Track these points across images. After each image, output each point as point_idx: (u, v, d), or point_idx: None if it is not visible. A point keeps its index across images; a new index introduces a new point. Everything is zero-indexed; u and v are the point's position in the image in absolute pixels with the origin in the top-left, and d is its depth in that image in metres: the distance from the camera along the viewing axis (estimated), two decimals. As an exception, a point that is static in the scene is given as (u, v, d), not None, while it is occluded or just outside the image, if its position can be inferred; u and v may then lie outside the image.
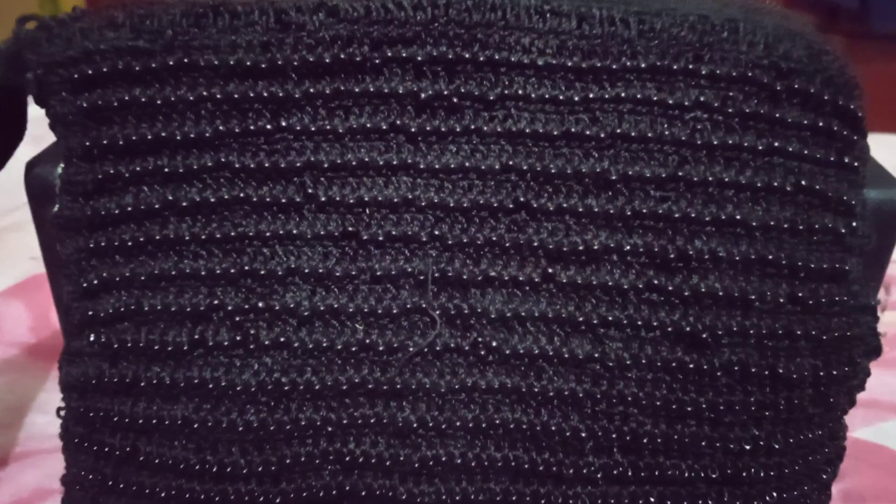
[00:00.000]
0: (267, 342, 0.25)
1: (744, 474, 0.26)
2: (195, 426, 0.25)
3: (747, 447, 0.25)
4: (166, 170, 0.25)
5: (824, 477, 0.28)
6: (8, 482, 0.31)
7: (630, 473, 0.26)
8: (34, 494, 0.31)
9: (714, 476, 0.26)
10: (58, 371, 0.37)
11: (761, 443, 0.25)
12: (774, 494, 0.26)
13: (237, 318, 0.25)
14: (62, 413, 0.27)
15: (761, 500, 0.26)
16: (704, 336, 0.25)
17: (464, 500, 0.26)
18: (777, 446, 0.25)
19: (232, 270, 0.25)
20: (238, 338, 0.25)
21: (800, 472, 0.27)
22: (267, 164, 0.25)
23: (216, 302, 0.25)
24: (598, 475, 0.26)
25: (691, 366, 0.25)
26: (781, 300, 0.25)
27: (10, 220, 0.50)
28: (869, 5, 1.12)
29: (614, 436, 0.25)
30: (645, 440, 0.25)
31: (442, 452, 0.25)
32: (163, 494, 0.25)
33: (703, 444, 0.25)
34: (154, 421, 0.25)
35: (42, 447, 0.33)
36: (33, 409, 0.35)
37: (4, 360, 0.38)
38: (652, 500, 0.26)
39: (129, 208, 0.25)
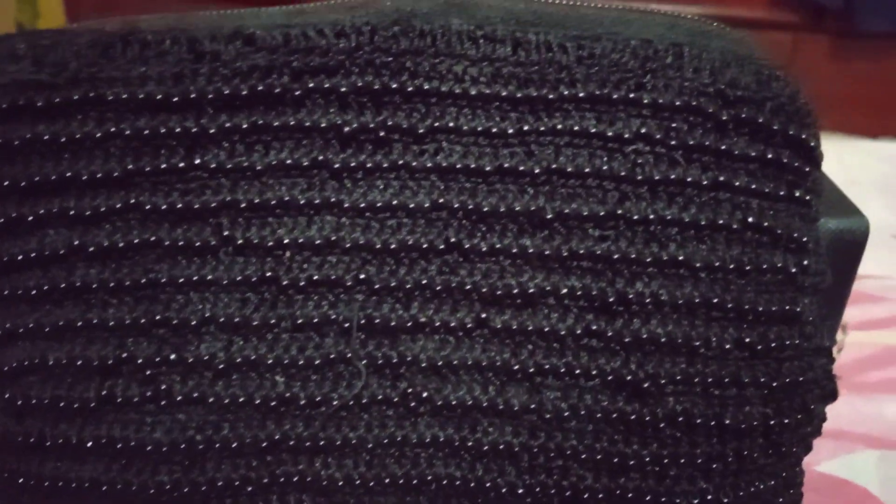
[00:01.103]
0: (180, 397, 0.23)
1: (692, 529, 0.24)
2: (104, 488, 0.23)
3: (695, 501, 0.24)
4: (72, 212, 0.23)
5: (781, 525, 0.26)
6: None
7: (572, 529, 0.24)
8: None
9: (660, 530, 0.24)
10: None
11: (709, 497, 0.24)
12: (725, 547, 0.25)
13: (148, 371, 0.23)
14: (-31, 470, 0.25)
15: (712, 553, 0.25)
16: (646, 385, 0.23)
17: (396, 558, 0.24)
18: (726, 500, 0.24)
19: (143, 320, 0.23)
20: (149, 393, 0.23)
21: (753, 524, 0.25)
22: (180, 205, 0.23)
23: (126, 354, 0.23)
24: (538, 531, 0.24)
25: (633, 416, 0.23)
26: (728, 346, 0.23)
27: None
28: (854, 4, 1.11)
29: (553, 491, 0.24)
30: (586, 496, 0.24)
31: (371, 510, 0.24)
32: (72, 559, 0.24)
33: (648, 498, 0.24)
34: (61, 483, 0.23)
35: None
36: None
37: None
38: (596, 555, 0.25)
39: (33, 253, 0.23)
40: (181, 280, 0.23)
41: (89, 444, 0.23)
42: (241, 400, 0.23)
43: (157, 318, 0.23)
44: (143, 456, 0.23)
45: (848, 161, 0.67)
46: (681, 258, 0.23)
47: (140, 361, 0.23)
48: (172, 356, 0.23)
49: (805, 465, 0.30)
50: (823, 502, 0.33)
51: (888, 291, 0.49)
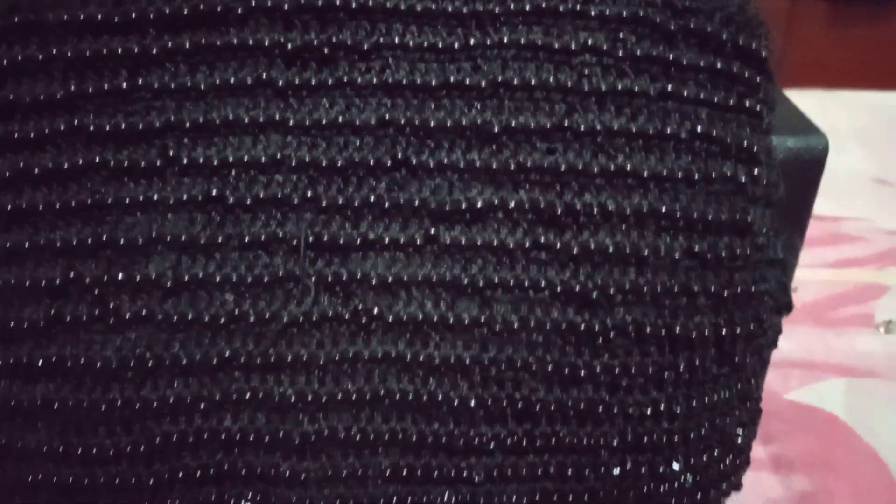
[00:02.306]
0: (129, 315, 0.23)
1: (646, 440, 0.24)
2: (55, 407, 0.23)
3: (648, 412, 0.24)
4: (16, 135, 0.23)
5: (738, 441, 0.26)
6: None
7: (526, 443, 0.24)
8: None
9: (615, 443, 0.24)
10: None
11: (661, 407, 0.24)
12: (681, 459, 0.25)
13: (97, 291, 0.23)
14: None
15: (668, 465, 0.25)
16: (596, 295, 0.23)
17: (351, 475, 0.24)
18: (679, 410, 0.24)
19: (90, 241, 0.23)
20: (98, 312, 0.23)
21: (708, 437, 0.25)
22: (125, 126, 0.23)
23: (73, 275, 0.23)
24: (492, 446, 0.24)
25: (583, 327, 0.23)
26: (677, 255, 0.23)
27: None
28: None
29: (505, 404, 0.24)
30: (539, 407, 0.24)
31: (324, 426, 0.24)
32: (28, 481, 0.24)
33: (601, 409, 0.24)
34: (12, 404, 0.23)
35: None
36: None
37: None
38: (551, 470, 0.25)
39: (-23, 177, 0.23)
40: (127, 201, 0.23)
41: (39, 364, 0.23)
42: (190, 318, 0.23)
43: (105, 238, 0.23)
44: (94, 374, 0.23)
45: (830, 111, 0.66)
46: (629, 168, 0.23)
47: (88, 282, 0.23)
48: (120, 276, 0.23)
49: (774, 393, 0.30)
50: (791, 429, 0.33)
51: (865, 232, 0.49)
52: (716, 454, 0.26)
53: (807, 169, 0.28)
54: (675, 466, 0.25)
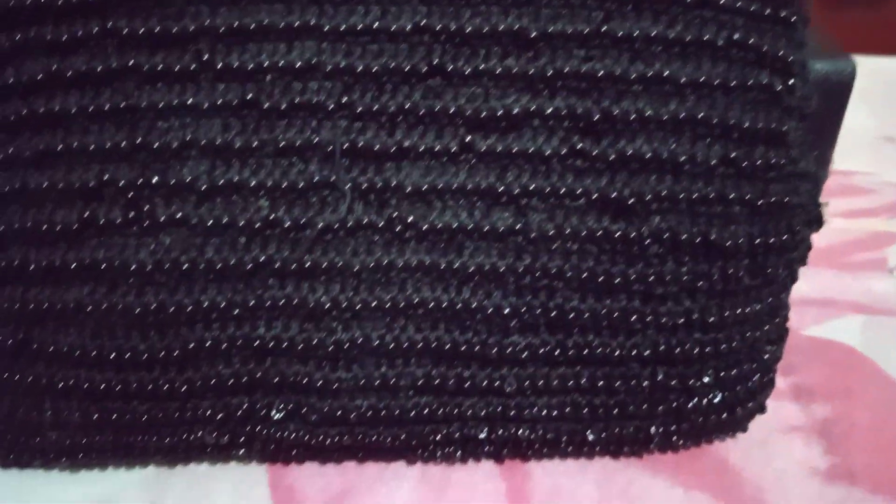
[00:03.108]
0: (163, 218, 0.23)
1: (678, 351, 0.24)
2: (90, 310, 0.23)
3: (680, 322, 0.24)
4: (49, 38, 0.23)
5: (765, 357, 0.26)
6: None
7: (558, 353, 0.24)
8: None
9: (646, 354, 0.24)
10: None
11: (695, 317, 0.24)
12: (711, 373, 0.25)
13: (131, 195, 0.23)
14: (-47, 307, 0.25)
15: (697, 378, 0.25)
16: (632, 202, 0.23)
17: (383, 385, 0.24)
18: (712, 320, 0.24)
19: (124, 144, 0.23)
20: (132, 215, 0.23)
21: (738, 350, 0.25)
22: (158, 30, 0.23)
23: (108, 177, 0.23)
24: (525, 355, 0.24)
25: (619, 235, 0.23)
26: (713, 162, 0.23)
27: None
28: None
29: (539, 312, 0.24)
30: (572, 316, 0.24)
31: (358, 335, 0.24)
32: (60, 386, 0.24)
33: (634, 319, 0.24)
34: (46, 307, 0.23)
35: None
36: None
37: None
38: (582, 382, 0.25)
39: (10, 80, 0.23)
40: (161, 105, 0.23)
41: (73, 267, 0.23)
42: (225, 221, 0.23)
43: (138, 142, 0.23)
44: (128, 278, 0.23)
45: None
46: (666, 75, 0.23)
47: (122, 184, 0.23)
48: (155, 179, 0.23)
49: (791, 329, 0.30)
50: (809, 361, 0.33)
51: (874, 185, 0.49)
52: (745, 370, 0.26)
53: (835, 91, 0.28)
54: (706, 380, 0.25)
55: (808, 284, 0.37)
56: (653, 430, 0.26)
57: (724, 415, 0.27)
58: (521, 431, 0.26)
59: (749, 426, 0.28)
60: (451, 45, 0.23)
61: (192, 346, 0.23)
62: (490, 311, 0.24)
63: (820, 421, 0.30)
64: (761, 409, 0.28)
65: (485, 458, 0.27)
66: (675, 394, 0.25)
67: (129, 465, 0.27)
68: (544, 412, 0.25)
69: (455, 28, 0.23)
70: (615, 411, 0.25)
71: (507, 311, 0.24)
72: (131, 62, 0.23)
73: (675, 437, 0.27)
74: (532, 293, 0.24)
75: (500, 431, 0.26)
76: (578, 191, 0.23)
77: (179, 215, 0.23)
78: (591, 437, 0.26)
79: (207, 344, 0.23)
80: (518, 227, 0.23)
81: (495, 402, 0.25)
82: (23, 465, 0.26)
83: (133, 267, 0.23)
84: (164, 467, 0.27)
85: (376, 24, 0.23)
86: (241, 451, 0.26)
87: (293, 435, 0.25)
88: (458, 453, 0.26)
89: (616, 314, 0.24)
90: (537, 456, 0.27)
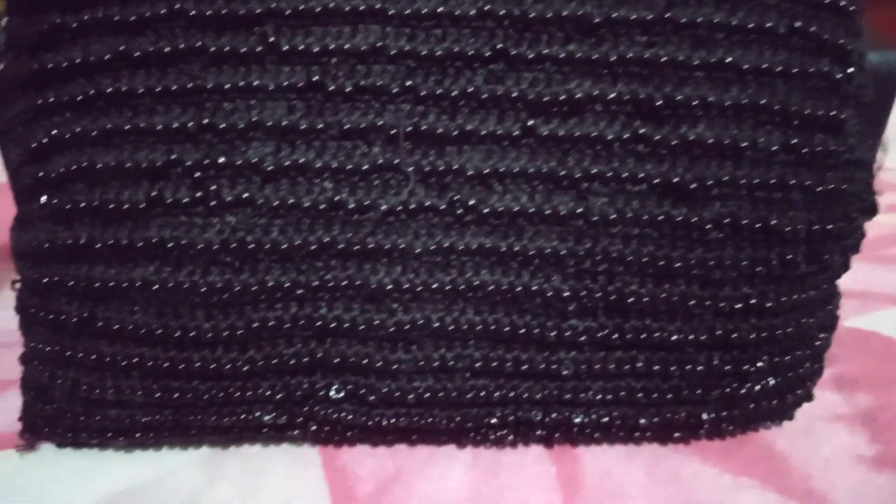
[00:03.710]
0: (230, 199, 0.23)
1: (734, 336, 0.25)
2: (155, 289, 0.23)
3: (738, 307, 0.24)
4: (117, 19, 0.23)
5: (817, 344, 0.27)
6: (-33, 374, 0.30)
7: (616, 337, 0.25)
8: (-5, 386, 0.30)
9: (703, 339, 0.25)
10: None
11: (753, 301, 0.24)
12: (766, 359, 0.25)
13: (197, 175, 0.23)
14: (16, 285, 0.25)
15: (752, 364, 0.25)
16: (693, 187, 0.23)
17: (441, 367, 0.25)
18: (770, 305, 0.24)
19: (190, 125, 0.23)
20: (199, 195, 0.23)
21: (792, 337, 0.26)
22: (225, 12, 0.23)
23: (174, 158, 0.23)
24: (583, 339, 0.24)
25: (679, 220, 0.23)
26: (774, 148, 0.23)
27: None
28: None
29: (599, 296, 0.24)
30: (631, 300, 0.24)
31: (418, 317, 0.24)
32: (123, 364, 0.24)
33: (693, 304, 0.24)
34: (111, 285, 0.23)
35: (2, 341, 0.32)
36: (-4, 306, 0.34)
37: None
38: (638, 366, 0.25)
39: (78, 61, 0.23)
40: (227, 87, 0.23)
41: (140, 246, 0.23)
42: (290, 203, 0.23)
43: (205, 122, 0.23)
44: (194, 257, 0.23)
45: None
46: (728, 61, 0.23)
47: (189, 164, 0.23)
48: (221, 159, 0.23)
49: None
50: (850, 352, 0.33)
51: (906, 182, 0.49)
52: (797, 355, 0.26)
53: (885, 82, 0.28)
54: (760, 365, 0.25)
55: (845, 277, 0.37)
56: (704, 415, 0.26)
57: (775, 401, 0.27)
58: (574, 415, 0.26)
59: (794, 414, 0.29)
60: (514, 30, 0.23)
61: (255, 325, 0.24)
62: (549, 294, 0.24)
63: (863, 410, 0.30)
64: (809, 396, 0.28)
65: (535, 441, 0.27)
66: (729, 379, 0.26)
67: (185, 445, 0.27)
68: (599, 396, 0.25)
69: (518, 13, 0.23)
70: (668, 396, 0.26)
71: (566, 294, 0.24)
72: (198, 44, 0.23)
73: (725, 423, 0.27)
74: (591, 277, 0.24)
75: (554, 415, 0.26)
76: (640, 175, 0.23)
77: (245, 196, 0.23)
78: (642, 422, 0.26)
79: (270, 324, 0.24)
80: (579, 211, 0.23)
81: (551, 386, 0.25)
82: (80, 445, 0.26)
83: (200, 246, 0.23)
84: (217, 448, 0.27)
85: (440, 9, 0.23)
86: (296, 432, 0.26)
87: (350, 416, 0.25)
88: (510, 436, 0.27)
89: (675, 299, 0.24)
90: (588, 440, 0.27)
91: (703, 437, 0.27)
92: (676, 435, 0.27)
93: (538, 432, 0.27)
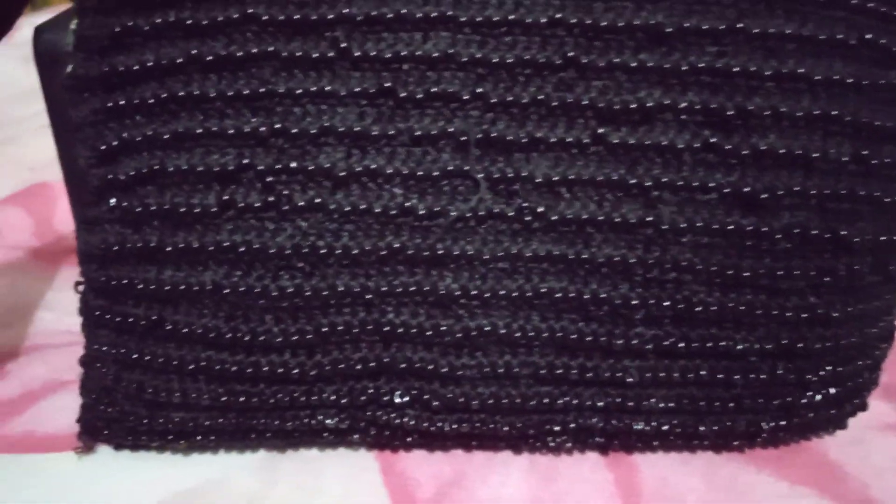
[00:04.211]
0: (301, 203, 0.23)
1: (799, 346, 0.25)
2: (226, 293, 0.23)
3: (804, 316, 0.24)
4: (189, 22, 0.23)
5: (876, 354, 0.27)
6: (18, 374, 0.30)
7: (682, 346, 0.25)
8: (44, 387, 0.30)
9: (768, 348, 0.25)
10: (65, 271, 0.35)
11: (819, 311, 0.24)
12: (829, 368, 0.25)
13: (269, 179, 0.23)
14: (80, 287, 0.25)
15: (814, 374, 0.25)
16: (763, 197, 0.23)
17: (506, 374, 0.25)
18: (835, 315, 0.24)
19: (262, 129, 0.23)
20: (270, 199, 0.23)
21: (854, 347, 0.26)
22: (297, 17, 0.23)
23: (246, 162, 0.23)
24: (649, 347, 0.25)
25: (749, 229, 0.23)
26: (844, 159, 0.23)
27: (6, 134, 0.48)
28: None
29: (666, 304, 0.24)
30: (698, 309, 0.24)
31: (485, 323, 0.24)
32: (190, 367, 0.24)
33: (759, 313, 0.24)
34: (181, 288, 0.23)
35: (51, 342, 0.32)
36: (41, 307, 0.34)
37: (6, 262, 0.37)
38: (702, 374, 0.25)
39: (149, 64, 0.23)
40: (298, 91, 0.23)
41: (211, 250, 0.23)
42: (360, 209, 0.23)
43: (276, 127, 0.23)
44: (265, 261, 0.23)
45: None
46: (799, 72, 0.23)
47: (260, 169, 0.23)
48: (293, 164, 0.23)
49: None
50: None
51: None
52: (859, 365, 0.26)
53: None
54: (822, 374, 0.25)
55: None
56: (764, 424, 0.26)
57: (833, 411, 0.27)
58: (635, 423, 0.26)
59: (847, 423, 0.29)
60: (585, 38, 0.23)
61: (324, 330, 0.24)
62: (617, 302, 0.24)
63: (913, 420, 0.30)
64: (864, 406, 0.28)
65: (591, 448, 0.27)
66: (791, 388, 0.26)
67: (244, 449, 0.27)
68: (661, 404, 0.26)
69: (589, 22, 0.23)
70: (730, 405, 0.26)
71: (634, 302, 0.24)
72: (269, 48, 0.23)
73: (783, 432, 0.27)
74: (659, 286, 0.24)
75: (615, 422, 0.26)
76: (710, 185, 0.23)
77: (317, 201, 0.23)
78: (702, 430, 0.26)
79: (339, 328, 0.24)
80: (648, 219, 0.24)
81: (614, 394, 0.25)
82: (138, 447, 0.26)
83: (272, 251, 0.23)
84: (273, 451, 0.27)
85: (511, 17, 0.23)
86: (356, 436, 0.26)
87: (412, 421, 0.25)
88: (568, 443, 0.27)
89: (742, 308, 0.24)
90: (646, 448, 0.27)
91: (760, 445, 0.28)
92: (735, 443, 0.27)
93: (596, 439, 0.27)
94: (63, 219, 0.40)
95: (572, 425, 0.26)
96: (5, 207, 0.41)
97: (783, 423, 0.27)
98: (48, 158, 0.47)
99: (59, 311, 0.33)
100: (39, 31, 0.26)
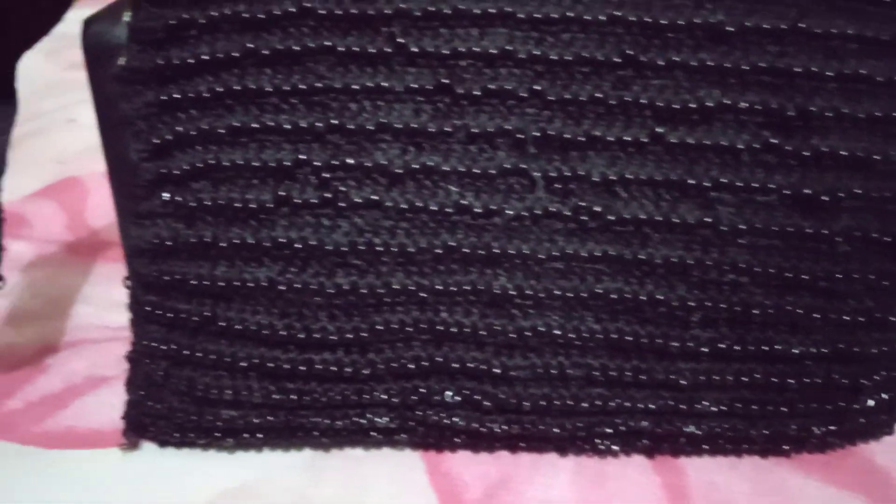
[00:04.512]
0: (358, 200, 0.23)
1: (855, 350, 0.24)
2: (281, 290, 0.23)
3: (861, 320, 0.24)
4: (245, 16, 0.23)
5: (927, 359, 0.27)
6: (59, 368, 0.30)
7: (737, 349, 0.24)
8: (86, 382, 0.29)
9: (824, 352, 0.24)
10: (100, 265, 0.35)
11: (876, 315, 0.24)
12: (883, 373, 0.25)
13: (325, 175, 0.23)
14: (128, 283, 0.25)
15: (868, 378, 0.25)
16: (824, 199, 0.23)
17: (559, 375, 0.24)
18: (893, 319, 0.24)
19: (318, 124, 0.23)
20: (327, 196, 0.23)
21: (909, 351, 0.25)
22: (354, 12, 0.23)
23: (302, 157, 0.23)
24: (704, 350, 0.24)
25: (808, 231, 0.23)
26: (906, 161, 0.23)
27: (33, 126, 0.48)
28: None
29: (723, 307, 0.24)
30: (755, 312, 0.24)
31: (539, 324, 0.24)
32: (242, 364, 0.24)
33: (816, 316, 0.24)
34: (235, 284, 0.23)
35: (90, 337, 0.32)
36: (78, 300, 0.34)
37: (41, 256, 0.37)
38: (756, 377, 0.25)
39: (205, 57, 0.23)
40: (355, 87, 0.23)
41: (266, 246, 0.23)
42: (416, 206, 0.23)
43: (333, 123, 0.23)
44: (321, 258, 0.23)
45: None
46: (861, 72, 0.23)
47: (317, 165, 0.23)
48: (349, 161, 0.23)
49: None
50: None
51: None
52: (911, 371, 0.26)
53: None
54: (877, 379, 0.25)
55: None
56: (815, 428, 0.26)
57: (883, 416, 0.27)
58: (686, 426, 0.26)
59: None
60: (644, 36, 0.23)
61: (377, 328, 0.23)
62: (674, 304, 0.24)
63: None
64: (910, 412, 0.28)
65: (638, 451, 0.27)
66: (844, 393, 0.25)
67: (289, 447, 0.26)
68: (713, 408, 0.25)
69: (649, 20, 0.23)
70: (783, 409, 0.25)
71: (690, 304, 0.24)
72: (326, 43, 0.23)
73: (833, 437, 0.27)
74: (716, 288, 0.24)
75: (665, 425, 0.26)
76: (769, 186, 0.23)
77: (373, 198, 0.23)
78: (752, 434, 0.26)
79: (392, 327, 0.24)
80: (706, 220, 0.23)
81: (666, 396, 0.25)
82: (185, 444, 0.26)
83: (328, 248, 0.23)
84: (318, 450, 0.27)
85: (569, 14, 0.23)
86: (403, 436, 0.26)
87: (462, 422, 0.25)
88: (615, 446, 0.26)
89: (799, 311, 0.24)
90: (694, 451, 0.27)
91: (808, 450, 0.27)
92: (785, 448, 0.27)
93: (644, 442, 0.26)
94: (95, 213, 0.40)
95: (622, 428, 0.26)
96: (37, 200, 0.41)
97: (834, 427, 0.26)
98: (76, 151, 0.47)
99: (97, 306, 0.33)
100: (88, 23, 0.26)
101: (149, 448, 0.27)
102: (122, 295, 0.33)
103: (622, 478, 0.27)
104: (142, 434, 0.26)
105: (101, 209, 0.41)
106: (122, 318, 0.32)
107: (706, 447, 0.27)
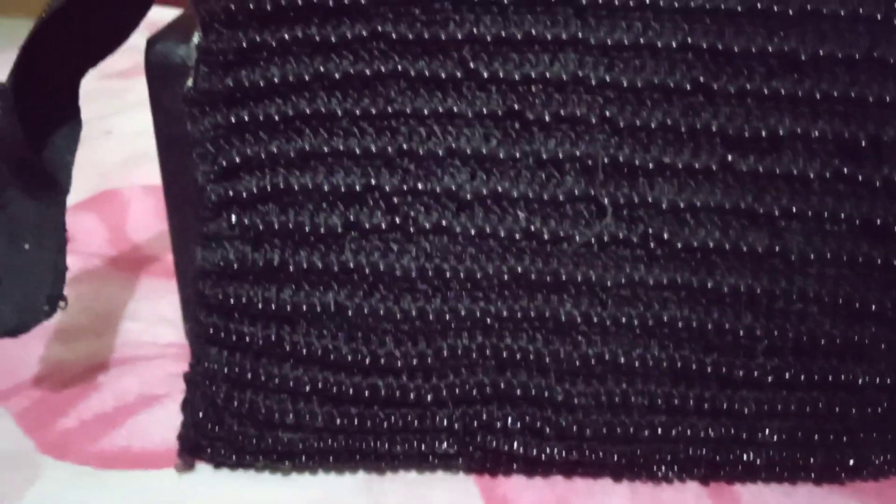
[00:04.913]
0: (426, 225, 0.23)
1: (919, 380, 0.24)
2: (348, 314, 0.23)
3: (929, 353, 0.24)
4: (316, 39, 0.23)
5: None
6: (111, 386, 0.30)
7: (802, 378, 0.24)
8: (139, 400, 0.29)
9: (889, 383, 0.24)
10: (145, 280, 0.35)
11: (943, 347, 0.24)
12: (948, 403, 0.25)
13: (394, 200, 0.23)
14: (186, 304, 0.25)
15: (933, 410, 0.25)
16: (894, 228, 0.23)
17: (622, 403, 0.24)
18: (962, 354, 0.24)
19: (388, 149, 0.23)
20: (396, 220, 0.23)
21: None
22: (425, 36, 0.23)
23: (371, 182, 0.23)
24: (769, 378, 0.24)
25: (879, 261, 0.23)
26: (979, 192, 0.23)
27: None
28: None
29: (790, 336, 0.24)
30: (822, 342, 0.24)
31: (604, 351, 0.24)
32: (307, 389, 0.24)
33: (882, 347, 0.24)
34: (303, 308, 0.23)
35: (139, 354, 0.31)
36: (125, 317, 0.34)
37: (85, 270, 0.37)
38: (819, 406, 0.25)
39: (275, 80, 0.23)
40: (425, 112, 0.23)
41: (334, 270, 0.23)
42: (485, 232, 0.23)
43: (403, 148, 0.23)
44: (389, 283, 0.23)
45: None
46: (936, 103, 0.23)
47: (386, 190, 0.23)
48: (419, 186, 0.23)
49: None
50: None
51: None
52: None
53: None
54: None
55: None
56: (874, 457, 0.26)
57: (942, 444, 0.26)
58: (745, 454, 0.25)
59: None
60: (715, 63, 0.23)
61: (443, 354, 0.23)
62: (740, 333, 0.24)
63: None
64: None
65: (693, 478, 0.27)
66: (906, 423, 0.25)
67: (345, 470, 0.26)
68: (774, 436, 0.25)
69: (721, 47, 0.23)
70: (843, 438, 0.25)
71: (757, 333, 0.24)
72: (396, 68, 0.23)
73: (890, 466, 0.26)
74: (783, 316, 0.24)
75: (724, 453, 0.25)
76: (840, 215, 0.23)
77: (442, 223, 0.23)
78: (811, 462, 0.26)
79: (458, 352, 0.23)
80: (775, 248, 0.23)
81: (728, 425, 0.25)
82: (241, 466, 0.26)
83: (397, 273, 0.23)
84: (373, 473, 0.27)
85: (640, 40, 0.23)
86: (460, 460, 0.26)
87: (521, 448, 0.25)
88: (672, 473, 0.26)
89: (865, 341, 0.24)
90: (752, 479, 0.27)
91: (863, 478, 0.27)
92: (843, 476, 0.27)
93: (700, 470, 0.26)
94: (135, 227, 0.40)
95: (681, 455, 0.25)
96: (78, 213, 0.41)
97: (892, 456, 0.26)
98: (114, 163, 0.47)
99: (144, 322, 0.33)
100: (151, 43, 0.26)
101: (203, 469, 0.27)
102: (168, 311, 0.33)
103: (679, 504, 0.27)
104: (197, 455, 0.26)
105: (140, 223, 0.41)
106: (170, 334, 0.32)
107: (764, 475, 0.26)
